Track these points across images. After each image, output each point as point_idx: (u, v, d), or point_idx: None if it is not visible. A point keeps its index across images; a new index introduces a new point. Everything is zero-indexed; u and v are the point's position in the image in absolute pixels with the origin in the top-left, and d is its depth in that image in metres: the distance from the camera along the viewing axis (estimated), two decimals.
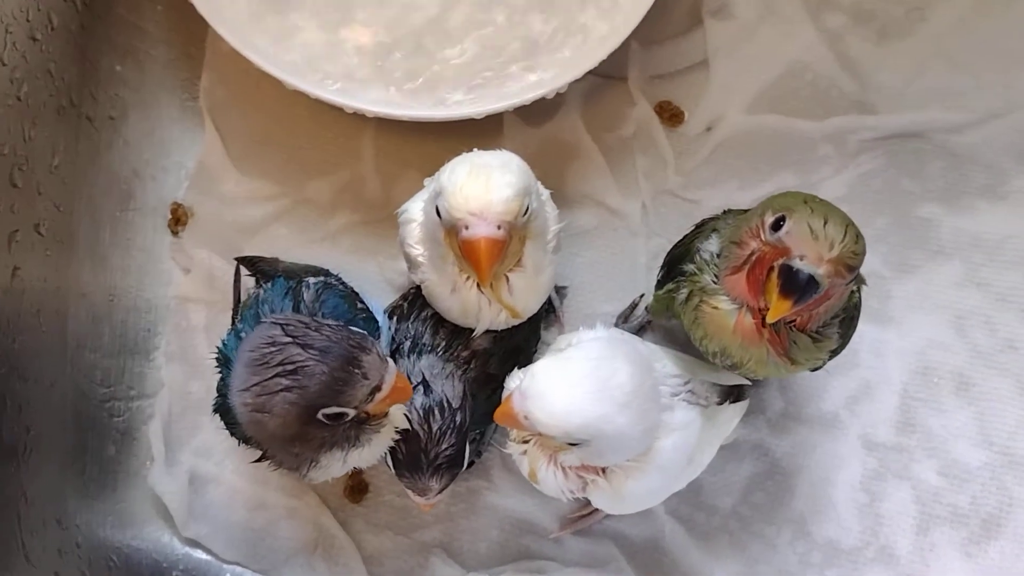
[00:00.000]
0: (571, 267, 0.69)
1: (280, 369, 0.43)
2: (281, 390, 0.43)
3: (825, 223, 0.44)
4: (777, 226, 0.45)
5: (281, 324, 0.44)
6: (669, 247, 0.61)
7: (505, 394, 0.51)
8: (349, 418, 0.44)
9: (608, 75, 0.71)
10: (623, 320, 0.67)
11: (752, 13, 0.73)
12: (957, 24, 0.72)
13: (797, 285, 0.43)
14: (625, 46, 0.65)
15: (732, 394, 0.58)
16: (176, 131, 0.69)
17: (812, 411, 0.66)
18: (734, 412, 0.58)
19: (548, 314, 0.66)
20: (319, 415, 0.44)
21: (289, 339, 0.43)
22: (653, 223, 0.70)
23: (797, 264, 0.43)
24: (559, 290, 0.67)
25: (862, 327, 0.64)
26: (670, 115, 0.72)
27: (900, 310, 0.68)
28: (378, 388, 0.44)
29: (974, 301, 0.68)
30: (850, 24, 0.73)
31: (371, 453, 0.49)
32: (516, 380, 0.51)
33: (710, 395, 0.56)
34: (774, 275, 0.44)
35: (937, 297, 0.68)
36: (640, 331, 0.67)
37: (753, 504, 0.65)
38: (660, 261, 0.60)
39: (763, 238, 0.45)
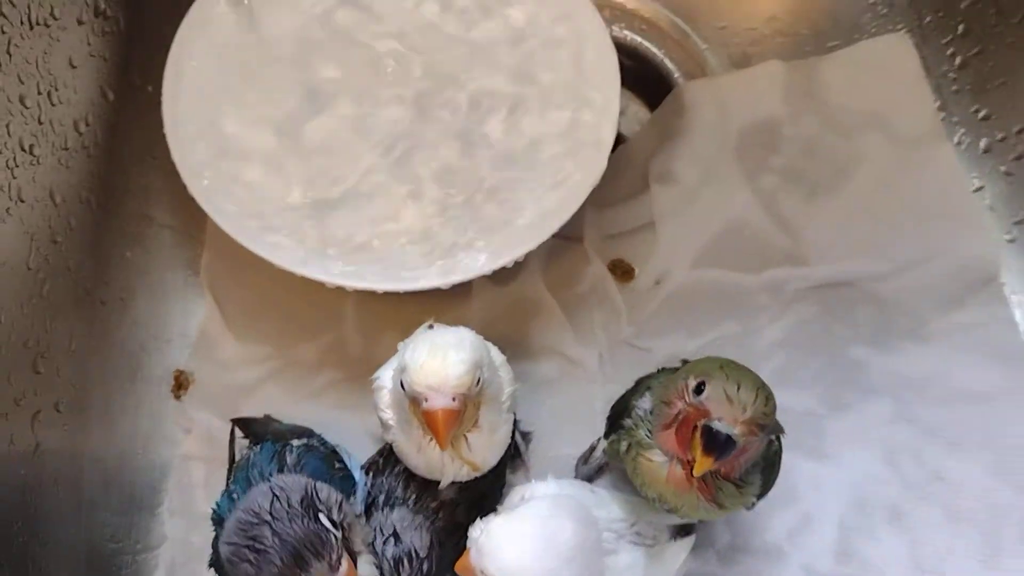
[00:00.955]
0: (535, 414, 0.72)
1: (250, 543, 0.49)
2: (245, 560, 0.49)
3: (738, 388, 0.49)
4: (699, 390, 0.49)
5: (275, 495, 0.50)
6: (623, 393, 0.68)
7: (469, 543, 0.56)
8: None
9: (566, 237, 0.75)
10: (583, 462, 0.71)
11: (694, 177, 0.79)
12: (879, 182, 0.78)
13: (717, 444, 0.48)
14: (580, 210, 0.68)
15: (679, 530, 0.61)
16: (179, 304, 0.75)
17: (757, 543, 0.68)
18: (680, 547, 0.61)
19: (514, 459, 0.69)
20: None
21: (268, 519, 0.49)
22: (609, 371, 0.74)
23: (716, 425, 0.48)
24: (524, 435, 0.71)
25: (800, 462, 0.71)
26: (622, 272, 0.78)
27: (835, 446, 0.71)
28: None
29: (904, 436, 0.71)
30: (782, 184, 0.79)
31: None
32: (476, 532, 0.54)
33: (659, 534, 0.59)
34: (697, 434, 0.49)
35: (869, 433, 0.71)
36: (599, 471, 0.70)
37: None
38: None
39: (687, 400, 0.50)
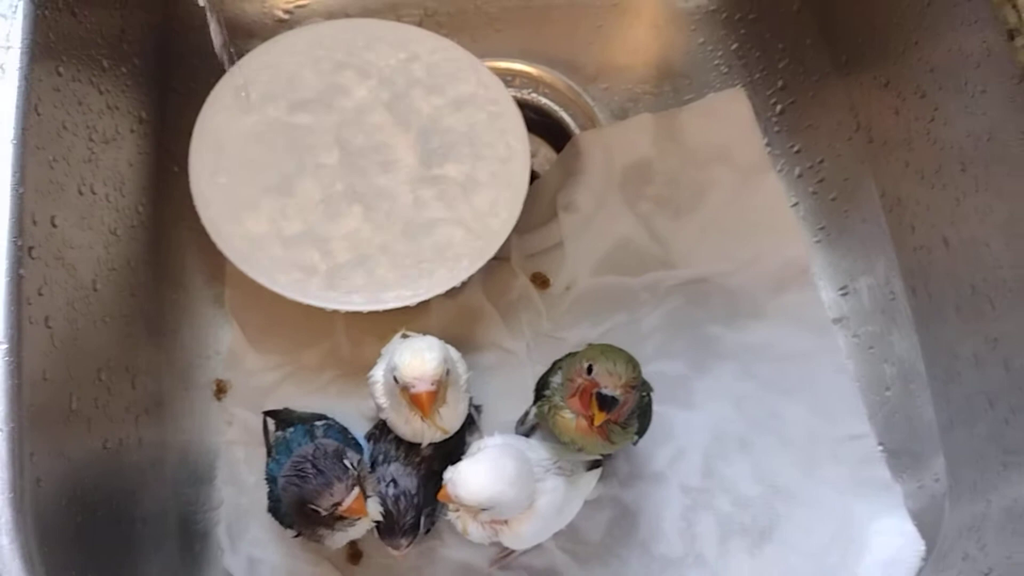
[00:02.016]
0: (483, 392, 0.88)
1: (298, 472, 0.71)
2: (294, 484, 0.71)
3: (615, 364, 0.67)
4: (590, 370, 0.67)
5: (316, 447, 0.72)
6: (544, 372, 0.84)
7: (445, 480, 0.71)
8: (324, 513, 0.68)
9: (498, 258, 0.86)
10: (520, 423, 0.86)
11: (590, 206, 0.94)
12: (725, 202, 0.94)
13: (606, 402, 0.66)
14: (508, 238, 0.83)
15: (591, 464, 0.78)
16: (213, 330, 0.92)
17: (647, 471, 0.85)
18: (591, 476, 0.78)
19: (471, 425, 0.86)
20: (307, 506, 0.69)
21: (311, 459, 0.71)
22: (535, 356, 0.89)
23: (604, 391, 0.66)
24: (477, 408, 0.87)
25: (676, 412, 0.87)
26: (541, 282, 0.93)
27: (700, 399, 0.88)
28: (339, 504, 0.68)
29: (748, 388, 0.88)
30: (655, 208, 0.95)
31: (356, 532, 0.75)
32: (449, 473, 0.71)
33: (575, 467, 0.76)
34: (593, 399, 0.66)
35: (724, 387, 0.88)
36: (532, 430, 0.85)
37: (613, 536, 0.83)
38: None
39: (583, 376, 0.67)
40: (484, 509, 0.68)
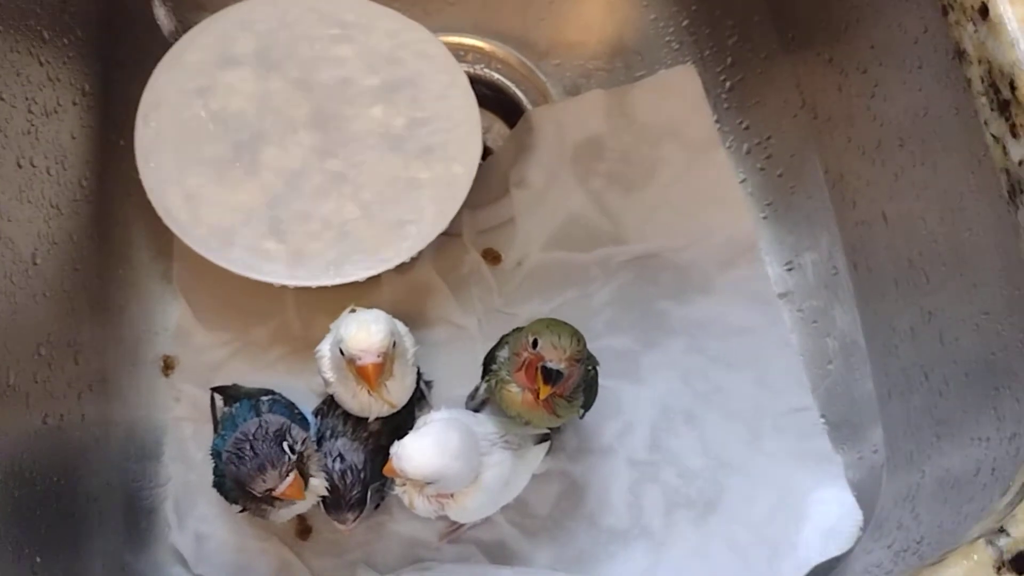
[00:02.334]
0: (435, 367, 0.88)
1: (237, 451, 0.71)
2: (232, 463, 0.71)
3: (559, 338, 0.67)
4: (535, 344, 0.67)
5: (259, 425, 0.72)
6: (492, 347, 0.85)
7: (391, 455, 0.74)
8: (259, 495, 0.69)
9: (449, 233, 0.87)
10: (471, 399, 0.88)
11: (541, 182, 0.94)
12: (675, 178, 0.95)
13: (551, 376, 0.66)
14: (459, 213, 0.84)
15: (540, 438, 0.79)
16: (160, 306, 0.91)
17: (595, 444, 0.86)
18: (539, 450, 0.79)
19: (420, 401, 0.86)
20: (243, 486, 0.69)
21: (251, 439, 0.72)
22: (485, 331, 0.89)
23: (549, 364, 0.66)
24: (428, 383, 0.89)
25: (624, 386, 0.88)
26: (492, 257, 0.93)
27: (647, 372, 0.89)
28: (272, 489, 0.68)
29: (695, 362, 0.89)
30: (606, 184, 0.95)
31: (301, 507, 0.75)
32: (395, 448, 0.74)
33: (522, 441, 0.77)
34: (538, 372, 0.67)
35: (671, 361, 0.89)
36: (482, 404, 0.88)
37: (561, 510, 0.84)
38: None
39: (528, 350, 0.68)
40: (429, 483, 0.68)
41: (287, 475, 0.70)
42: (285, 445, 0.72)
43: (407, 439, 0.69)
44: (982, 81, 0.62)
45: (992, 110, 0.61)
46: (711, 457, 0.87)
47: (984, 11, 0.60)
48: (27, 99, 0.75)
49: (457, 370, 0.89)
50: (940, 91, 0.69)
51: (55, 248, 0.77)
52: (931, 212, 0.72)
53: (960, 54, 0.63)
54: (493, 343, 0.86)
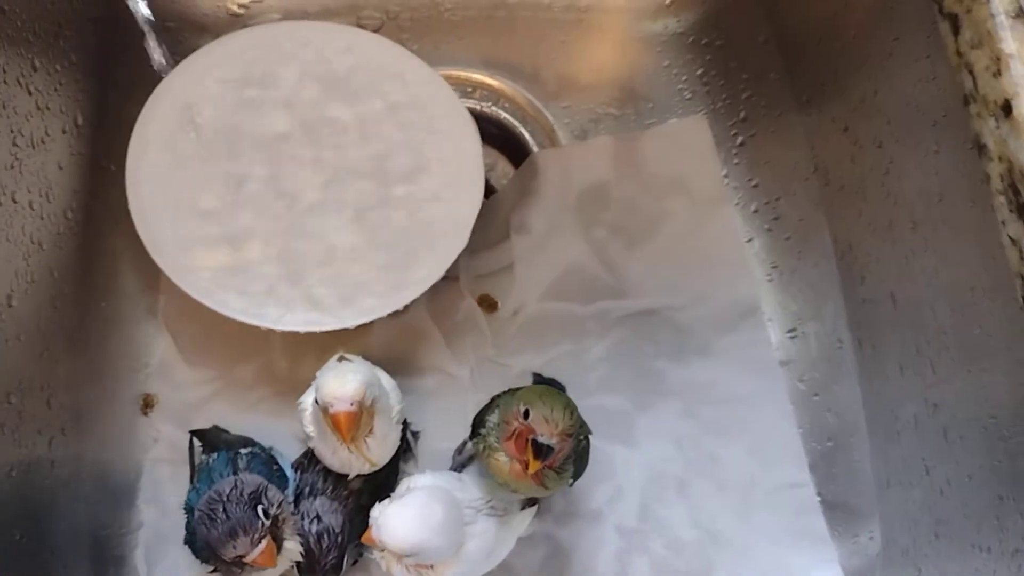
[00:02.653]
0: (422, 417, 0.86)
1: (210, 511, 0.68)
2: (203, 524, 0.68)
3: (552, 411, 0.65)
4: (526, 415, 0.66)
5: (235, 486, 0.70)
6: (488, 399, 0.87)
7: (371, 521, 0.72)
8: (228, 561, 0.68)
9: (445, 277, 0.83)
10: (458, 452, 0.86)
11: (543, 229, 0.91)
12: (679, 234, 0.92)
13: (541, 451, 0.64)
14: (457, 257, 0.81)
15: (527, 502, 0.77)
16: (143, 341, 0.88)
17: (583, 508, 0.83)
18: (526, 515, 0.76)
19: (406, 452, 0.85)
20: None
21: (224, 500, 0.69)
22: (477, 382, 0.87)
23: (539, 439, 0.64)
24: (414, 434, 0.87)
25: (616, 448, 0.86)
26: (488, 304, 0.91)
27: (640, 435, 0.86)
28: (243, 556, 0.66)
29: (689, 428, 0.87)
30: (609, 235, 0.92)
31: (273, 573, 0.73)
32: (377, 511, 0.72)
33: (509, 506, 0.74)
34: (528, 445, 0.65)
35: (665, 426, 0.86)
36: (469, 460, 0.85)
37: (545, 575, 0.82)
38: None
39: (519, 421, 0.66)
40: (409, 555, 0.66)
41: (259, 542, 0.68)
42: (260, 509, 0.69)
43: (389, 508, 0.67)
44: (1002, 180, 0.59)
45: (1010, 211, 0.58)
46: (702, 529, 0.85)
47: (1008, 108, 0.58)
48: (12, 131, 0.72)
49: (446, 421, 0.87)
50: (957, 179, 0.66)
51: (33, 287, 0.74)
52: (941, 302, 0.70)
53: (980, 147, 0.61)
54: (485, 395, 0.84)
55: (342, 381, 0.68)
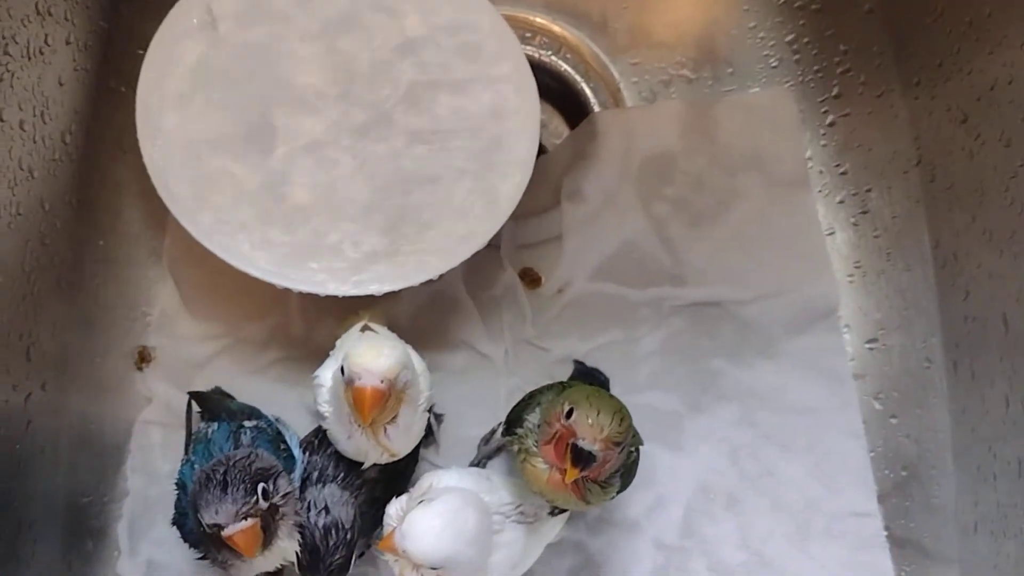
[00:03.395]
0: (447, 399, 0.79)
1: (209, 471, 0.61)
2: (199, 483, 0.60)
3: (599, 414, 0.59)
4: (569, 414, 0.59)
5: (244, 457, 0.62)
6: (523, 385, 0.77)
7: (386, 519, 0.66)
8: (206, 527, 0.59)
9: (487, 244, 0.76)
10: (484, 442, 0.80)
11: (598, 199, 0.84)
12: (751, 217, 0.84)
13: (582, 458, 0.58)
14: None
15: (558, 508, 0.70)
16: (143, 287, 0.80)
17: (619, 517, 0.77)
18: (557, 521, 0.71)
19: (427, 437, 0.78)
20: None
21: (227, 464, 0.61)
22: (512, 366, 0.81)
23: (581, 444, 0.58)
24: (437, 417, 0.80)
25: (661, 453, 0.78)
26: (530, 279, 0.84)
27: (690, 441, 0.80)
28: (221, 527, 0.59)
29: (746, 437, 0.80)
30: (672, 212, 0.84)
31: (266, 564, 0.65)
32: (394, 507, 0.66)
33: (539, 511, 0.68)
34: (568, 450, 0.58)
35: (718, 432, 0.80)
36: (497, 451, 0.79)
37: None
38: (516, 396, 0.72)
39: (561, 421, 0.60)
40: (434, 568, 0.59)
41: (244, 518, 0.59)
42: (260, 487, 0.61)
43: (416, 514, 0.60)
44: None
45: None
46: (751, 552, 0.78)
47: None
48: (3, 37, 0.61)
49: (473, 406, 0.81)
50: None
51: (18, 220, 0.66)
52: None
53: None
54: (518, 380, 0.80)
55: (377, 353, 0.61)
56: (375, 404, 0.61)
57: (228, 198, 0.73)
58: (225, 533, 0.59)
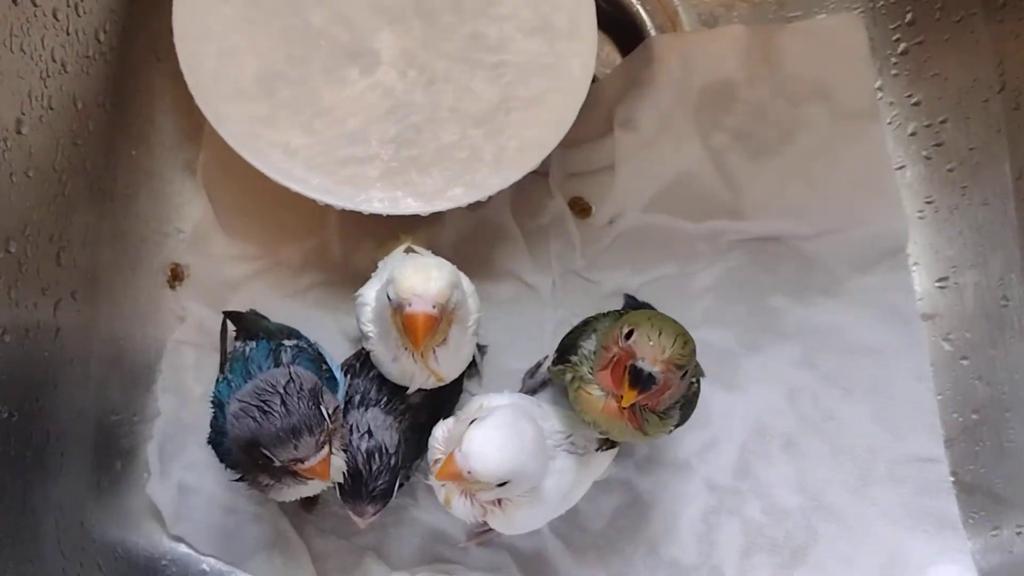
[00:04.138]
0: (491, 330, 0.77)
1: (260, 404, 0.56)
2: (250, 416, 0.56)
3: (660, 334, 0.56)
4: (628, 336, 0.56)
5: (290, 377, 0.57)
6: (571, 319, 0.75)
7: (431, 442, 0.63)
8: (276, 464, 0.56)
9: (534, 171, 0.74)
10: (530, 376, 0.77)
11: (653, 127, 0.81)
12: (816, 149, 0.81)
13: (640, 379, 0.55)
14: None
15: (606, 442, 0.67)
16: (177, 202, 0.78)
17: (670, 457, 0.75)
18: (606, 457, 0.68)
19: (471, 368, 0.75)
20: (260, 449, 0.56)
21: (282, 392, 0.56)
22: (559, 297, 0.79)
23: (639, 364, 0.55)
24: (481, 348, 0.78)
25: (715, 392, 0.76)
26: (580, 208, 0.82)
27: (746, 381, 0.77)
28: (302, 460, 0.55)
29: (805, 378, 0.77)
30: (731, 143, 0.81)
31: (309, 489, 0.62)
32: (441, 430, 0.63)
33: (588, 444, 0.66)
34: (625, 373, 0.56)
35: (777, 372, 0.77)
36: (542, 385, 0.77)
37: (617, 527, 0.74)
38: (563, 329, 0.70)
39: (620, 344, 0.57)
40: (501, 485, 0.57)
41: (322, 446, 0.56)
42: (323, 408, 0.57)
43: (474, 432, 0.56)
44: None
45: None
46: (808, 496, 0.76)
47: None
48: None
49: (518, 337, 0.79)
50: None
51: (50, 115, 0.62)
52: None
53: None
54: (565, 312, 0.78)
55: (426, 277, 0.58)
56: (428, 329, 0.58)
57: (265, 106, 0.69)
58: (306, 466, 0.56)
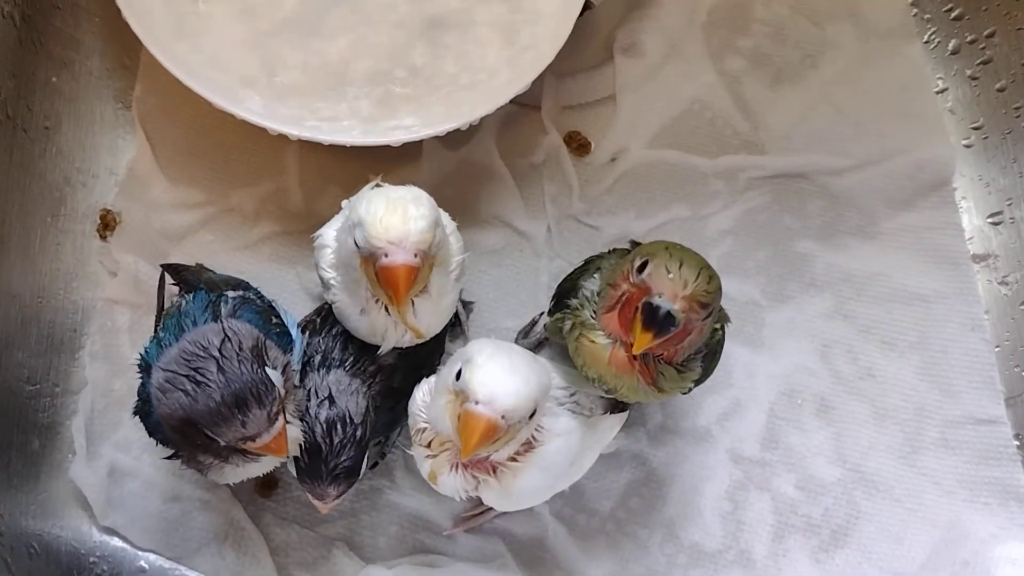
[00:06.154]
0: (478, 284, 0.72)
1: (192, 373, 0.47)
2: (181, 389, 0.46)
3: (681, 265, 0.48)
4: (642, 268, 0.49)
5: (225, 335, 0.48)
6: (569, 269, 0.66)
7: (411, 407, 0.55)
8: (221, 444, 0.47)
9: (523, 103, 0.72)
10: (523, 336, 0.70)
11: (659, 53, 0.76)
12: (843, 73, 0.76)
13: (656, 319, 0.47)
14: (540, 77, 0.67)
15: (615, 405, 0.61)
16: (108, 139, 0.72)
17: (688, 425, 0.69)
18: (615, 422, 0.61)
19: (454, 327, 0.68)
20: (198, 429, 0.47)
21: (216, 355, 0.47)
22: (556, 246, 0.73)
23: (656, 300, 0.47)
24: (466, 305, 0.70)
25: (737, 350, 0.71)
26: (578, 145, 0.75)
27: (772, 336, 0.71)
28: (252, 438, 0.46)
29: (839, 331, 0.71)
30: (748, 68, 0.76)
31: (259, 468, 0.53)
32: (421, 391, 0.55)
33: (594, 406, 0.59)
34: (638, 312, 0.48)
35: (807, 326, 0.72)
36: (538, 346, 0.70)
37: (629, 508, 0.68)
38: (559, 282, 0.63)
39: (631, 280, 0.49)
40: (513, 411, 0.48)
41: (275, 418, 0.47)
42: (270, 369, 0.48)
43: (476, 375, 0.48)
44: None
45: None
46: (848, 468, 0.69)
47: None
48: None
49: (510, 292, 0.73)
50: None
51: None
52: None
53: None
54: (563, 262, 0.72)
55: (404, 218, 0.49)
56: (410, 283, 0.50)
57: (216, 30, 0.65)
58: (258, 445, 0.47)
